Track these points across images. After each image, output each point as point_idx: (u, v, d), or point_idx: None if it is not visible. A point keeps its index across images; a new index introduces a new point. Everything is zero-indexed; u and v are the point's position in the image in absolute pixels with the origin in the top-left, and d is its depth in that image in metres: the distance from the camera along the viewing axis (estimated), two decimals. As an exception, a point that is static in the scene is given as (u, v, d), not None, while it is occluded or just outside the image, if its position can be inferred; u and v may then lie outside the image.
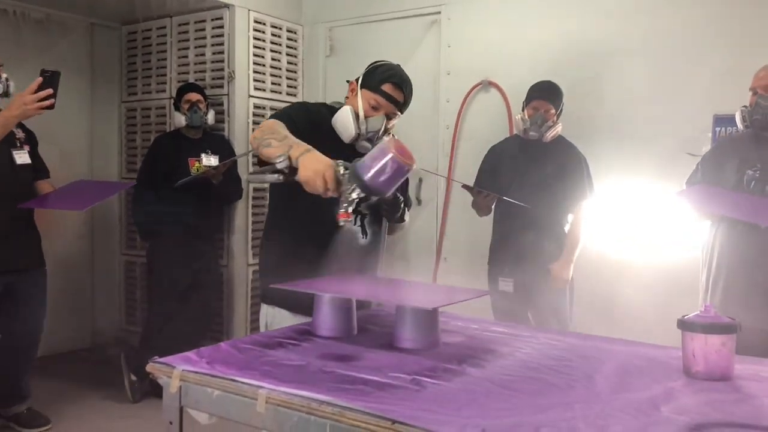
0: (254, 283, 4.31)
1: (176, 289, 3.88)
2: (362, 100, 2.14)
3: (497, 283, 3.29)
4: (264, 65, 4.35)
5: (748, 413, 1.28)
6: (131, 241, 4.74)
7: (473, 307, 2.17)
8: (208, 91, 4.13)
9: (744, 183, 2.61)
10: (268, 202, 4.36)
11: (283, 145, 1.77)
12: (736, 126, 2.75)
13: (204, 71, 4.32)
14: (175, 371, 1.45)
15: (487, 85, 3.95)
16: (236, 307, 4.27)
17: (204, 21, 4.31)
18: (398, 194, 2.18)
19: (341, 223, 1.64)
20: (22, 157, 3.05)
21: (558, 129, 3.26)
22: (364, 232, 2.16)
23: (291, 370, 1.47)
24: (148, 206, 3.92)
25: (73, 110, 4.56)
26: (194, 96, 3.95)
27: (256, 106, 4.31)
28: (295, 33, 4.58)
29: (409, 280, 2.14)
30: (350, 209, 1.65)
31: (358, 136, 2.13)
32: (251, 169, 4.05)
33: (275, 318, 2.14)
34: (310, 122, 2.11)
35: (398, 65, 2.22)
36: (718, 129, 3.26)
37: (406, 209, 2.27)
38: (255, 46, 4.28)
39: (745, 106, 2.66)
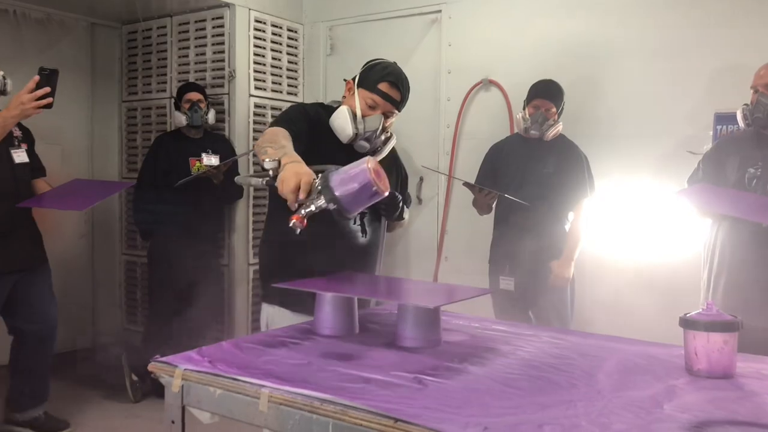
0: (255, 282, 4.31)
1: (177, 288, 3.88)
2: (359, 99, 2.13)
3: (498, 282, 3.29)
4: (264, 64, 4.35)
5: (751, 411, 1.28)
6: (132, 240, 4.74)
7: (474, 306, 2.17)
8: (208, 91, 4.13)
9: (745, 181, 2.61)
10: (268, 202, 4.40)
11: (277, 153, 1.76)
12: (737, 124, 2.74)
13: (204, 71, 4.32)
14: (177, 370, 1.45)
15: (488, 83, 3.94)
16: (237, 307, 4.27)
17: (204, 20, 4.31)
18: (396, 193, 2.19)
19: (291, 225, 1.60)
20: (20, 155, 3.03)
21: (559, 127, 3.26)
22: (363, 230, 2.16)
23: (293, 368, 1.48)
24: (148, 206, 3.92)
25: (73, 110, 4.56)
26: (195, 95, 3.95)
27: (256, 106, 4.31)
28: (296, 32, 4.57)
29: (410, 279, 2.14)
30: (305, 218, 1.60)
31: (356, 135, 2.13)
32: (251, 172, 4.06)
33: (276, 317, 2.14)
34: (309, 124, 2.11)
35: (395, 63, 2.21)
36: (718, 127, 3.25)
37: (405, 207, 2.27)
38: (255, 46, 4.28)
39: (746, 104, 2.66)
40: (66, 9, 4.49)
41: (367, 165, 1.57)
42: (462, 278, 3.72)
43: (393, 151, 2.30)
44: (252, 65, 4.26)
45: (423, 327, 1.69)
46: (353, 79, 2.19)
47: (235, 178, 1.95)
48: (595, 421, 1.19)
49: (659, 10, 3.44)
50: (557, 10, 3.70)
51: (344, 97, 2.21)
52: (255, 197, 4.33)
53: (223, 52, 4.23)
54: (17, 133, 3.03)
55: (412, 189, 3.43)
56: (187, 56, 4.40)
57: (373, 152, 2.19)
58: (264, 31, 4.35)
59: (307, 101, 4.43)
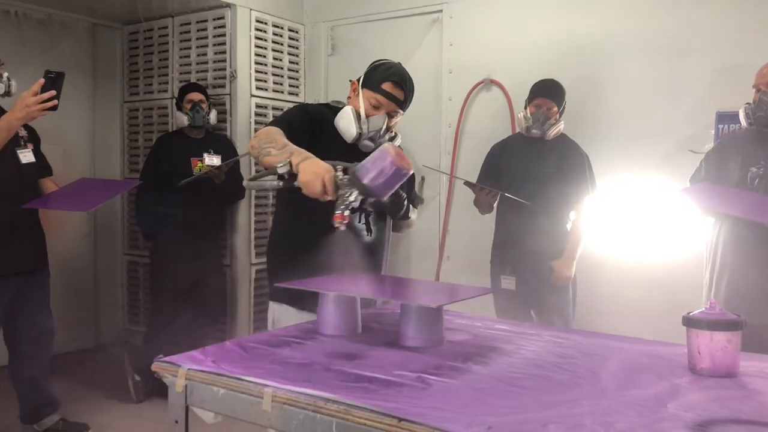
0: (257, 282, 4.32)
1: (179, 288, 3.88)
2: (363, 99, 2.15)
3: (500, 282, 3.29)
4: (266, 65, 4.36)
5: (754, 410, 1.28)
6: (134, 241, 4.75)
7: (476, 306, 2.18)
8: (210, 91, 4.13)
9: (747, 180, 2.61)
10: (272, 201, 4.40)
11: (283, 153, 1.78)
12: (739, 123, 2.74)
13: (206, 71, 4.32)
14: (181, 370, 1.45)
15: (489, 83, 3.95)
16: (239, 307, 4.27)
17: (206, 21, 4.31)
18: (401, 192, 2.19)
19: (336, 225, 1.66)
20: (26, 156, 3.03)
21: (560, 127, 3.26)
22: (368, 230, 2.17)
23: (296, 368, 1.48)
24: (150, 206, 3.92)
25: (74, 110, 4.56)
26: (196, 96, 3.95)
27: (258, 106, 4.31)
28: (297, 32, 4.58)
29: (412, 279, 2.14)
30: (346, 212, 1.66)
31: (360, 135, 2.14)
32: (250, 176, 4.06)
33: (282, 315, 2.16)
34: (312, 124, 2.12)
35: (399, 64, 2.22)
36: (720, 126, 3.25)
37: (411, 207, 2.27)
38: (257, 46, 4.28)
39: (748, 103, 2.66)
40: (67, 9, 4.49)
41: (389, 150, 1.64)
42: (463, 278, 3.73)
43: None
44: (253, 65, 4.26)
45: (426, 326, 1.70)
46: (358, 80, 2.21)
47: (245, 183, 1.97)
48: (599, 420, 1.19)
49: (661, 9, 3.44)
50: (559, 10, 3.70)
51: (349, 97, 2.22)
52: (257, 197, 4.33)
53: (224, 52, 4.23)
54: (23, 133, 3.02)
55: (413, 189, 3.43)
56: (188, 56, 4.40)
57: None
58: (265, 32, 4.35)
59: (309, 101, 4.44)
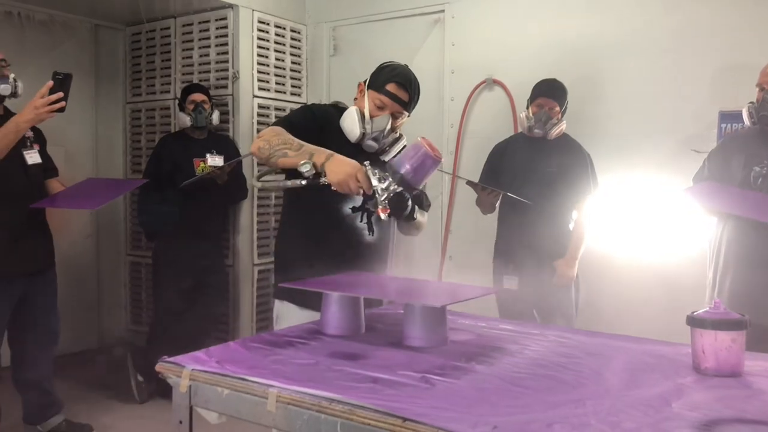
0: (260, 282, 4.32)
1: (181, 289, 3.88)
2: (368, 100, 2.18)
3: (502, 281, 3.29)
4: (268, 65, 4.36)
5: (759, 409, 1.28)
6: (136, 241, 4.75)
7: (478, 305, 2.17)
8: (212, 92, 4.13)
9: (751, 179, 2.60)
10: (275, 201, 4.40)
11: (302, 153, 1.84)
12: (742, 122, 2.74)
13: (208, 72, 4.32)
14: (185, 371, 1.45)
15: (492, 83, 3.95)
16: (242, 307, 4.28)
17: (208, 21, 4.32)
18: (404, 192, 2.19)
19: (383, 217, 1.81)
20: (33, 156, 3.03)
21: (562, 126, 3.26)
22: (370, 229, 2.17)
23: (300, 368, 1.48)
24: (153, 207, 3.93)
25: (77, 111, 4.55)
26: (199, 96, 3.95)
27: (260, 106, 4.31)
28: (299, 33, 4.58)
29: (415, 278, 2.14)
30: (387, 203, 1.79)
31: (363, 135, 2.16)
32: (256, 174, 4.06)
33: (285, 313, 2.17)
34: (317, 124, 2.14)
35: (405, 65, 2.24)
36: (723, 125, 3.25)
37: (417, 207, 2.27)
38: (259, 46, 4.29)
39: (751, 102, 2.66)
40: (70, 11, 4.49)
41: (422, 141, 1.78)
42: (466, 277, 3.71)
43: None
44: (255, 66, 4.27)
45: (430, 326, 1.69)
46: (365, 82, 2.23)
47: (254, 182, 2.01)
48: (604, 419, 1.19)
49: (663, 9, 3.43)
50: (560, 10, 3.70)
51: (356, 98, 2.25)
52: (259, 197, 4.33)
53: (226, 53, 4.23)
54: (29, 134, 3.03)
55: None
56: (190, 57, 4.41)
57: (381, 152, 2.20)
58: (267, 32, 4.35)
59: (311, 102, 4.44)
